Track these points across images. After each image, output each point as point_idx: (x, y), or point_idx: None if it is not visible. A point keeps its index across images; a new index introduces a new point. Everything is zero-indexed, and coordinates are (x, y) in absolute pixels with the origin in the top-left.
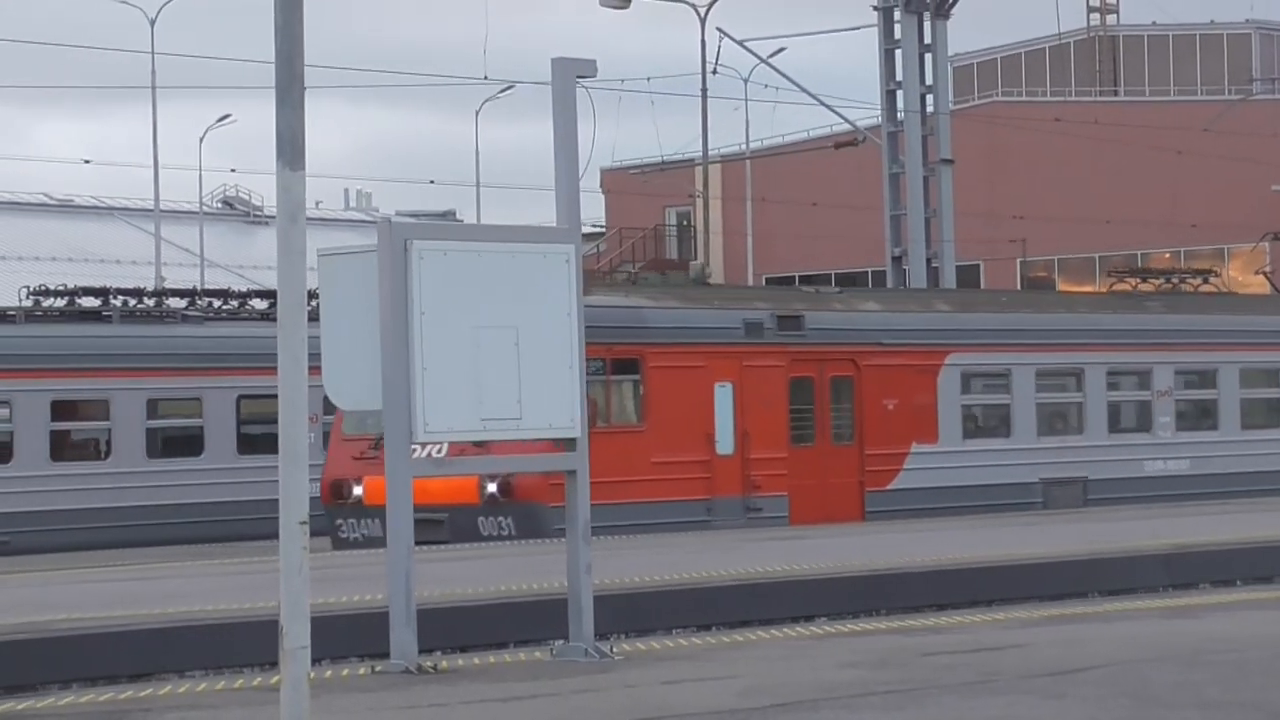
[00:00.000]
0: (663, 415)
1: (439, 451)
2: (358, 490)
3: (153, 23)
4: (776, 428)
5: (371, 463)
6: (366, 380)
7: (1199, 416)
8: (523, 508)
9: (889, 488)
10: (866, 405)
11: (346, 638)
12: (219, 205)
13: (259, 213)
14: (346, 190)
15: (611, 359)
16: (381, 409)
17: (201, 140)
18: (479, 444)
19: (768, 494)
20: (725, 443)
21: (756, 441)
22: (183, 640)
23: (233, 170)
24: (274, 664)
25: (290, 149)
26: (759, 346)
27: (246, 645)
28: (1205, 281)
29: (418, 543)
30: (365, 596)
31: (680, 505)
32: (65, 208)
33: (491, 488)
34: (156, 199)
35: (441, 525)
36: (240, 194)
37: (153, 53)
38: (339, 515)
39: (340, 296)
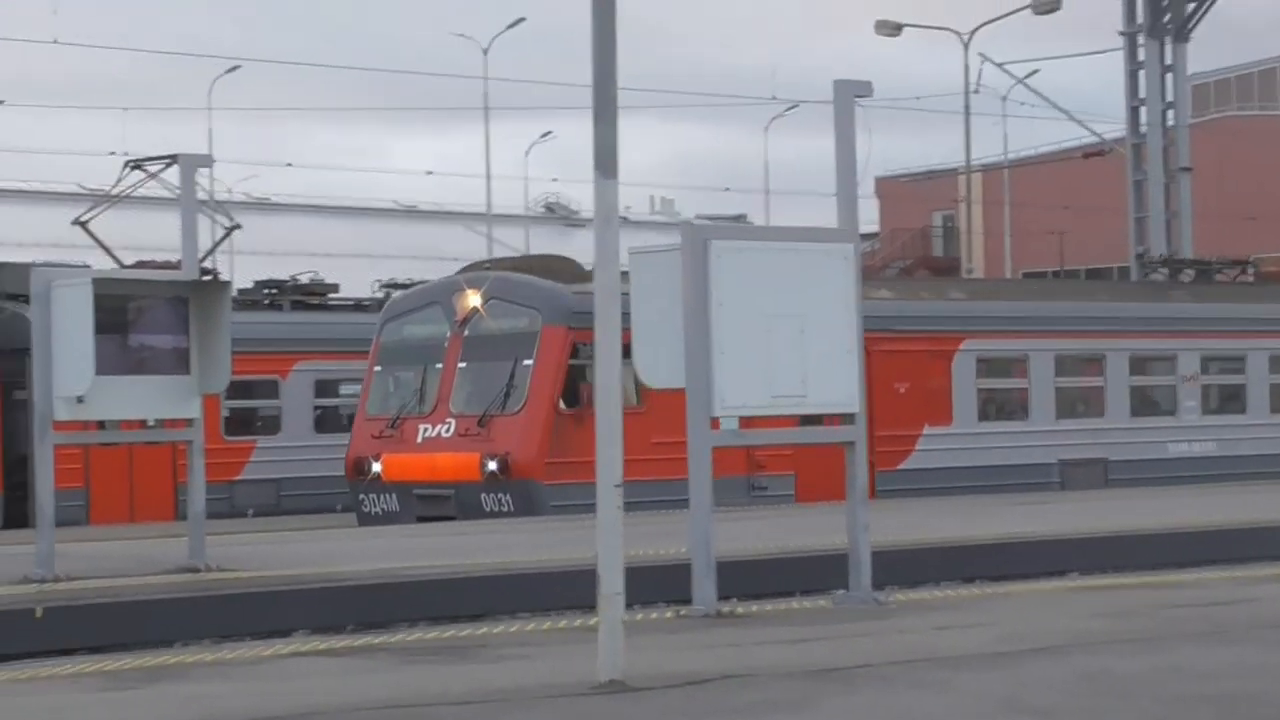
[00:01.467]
0: (662, 396)
1: (447, 432)
2: (376, 467)
3: (485, 51)
4: None
5: (390, 440)
6: (671, 362)
7: (1227, 400)
8: (519, 485)
9: (900, 468)
10: (877, 388)
11: (653, 585)
12: (542, 210)
13: (576, 216)
14: (651, 196)
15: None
16: (683, 386)
17: (527, 153)
18: (481, 422)
19: (773, 473)
20: (729, 422)
21: (759, 421)
22: (513, 586)
23: (554, 180)
24: (591, 608)
25: (606, 160)
26: None
27: (567, 591)
28: (1244, 271)
29: (427, 517)
30: (667, 550)
31: (682, 484)
32: (411, 213)
33: (492, 466)
34: (489, 205)
35: (449, 500)
36: (560, 200)
37: (485, 78)
38: (360, 490)
39: (649, 289)
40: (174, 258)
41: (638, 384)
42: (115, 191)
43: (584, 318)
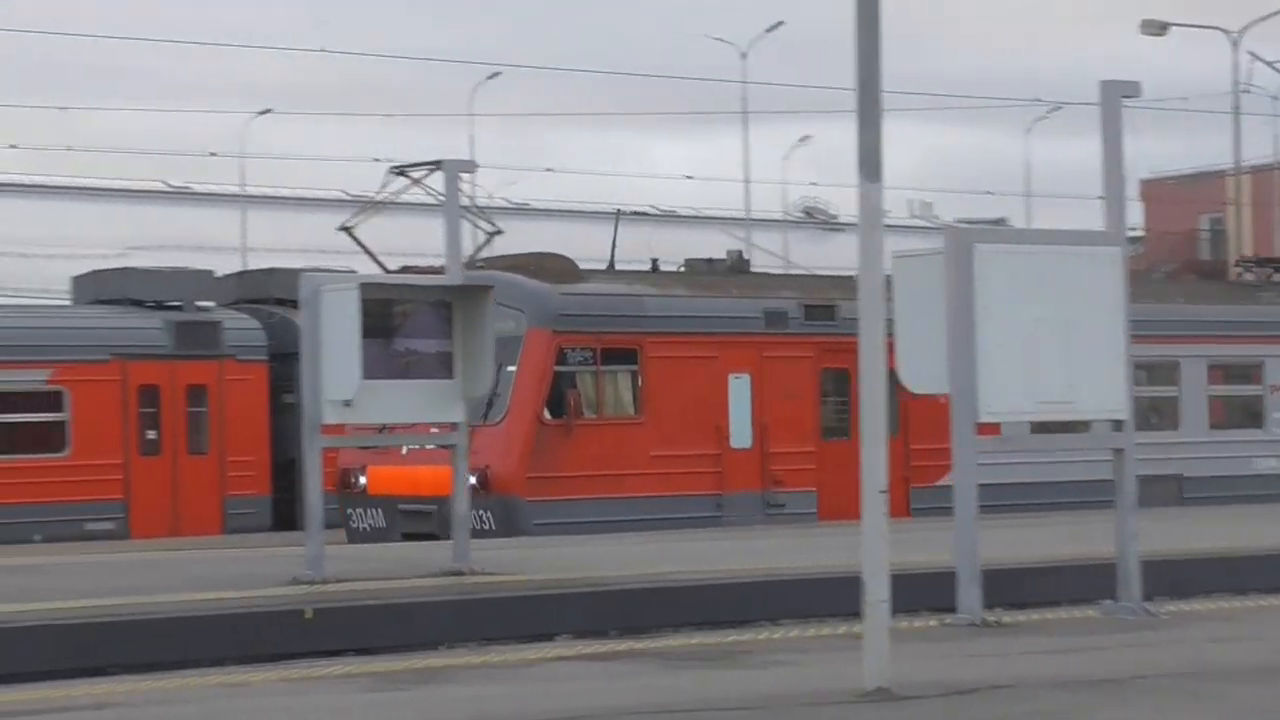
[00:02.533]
0: (663, 407)
1: (430, 443)
2: (363, 480)
3: (744, 55)
4: (803, 421)
5: (376, 452)
6: (935, 367)
7: None
8: (500, 502)
9: (939, 483)
10: (912, 399)
11: (916, 593)
12: (800, 214)
13: (835, 220)
14: (910, 200)
15: (602, 349)
16: (948, 391)
17: (786, 157)
18: None
19: (792, 489)
20: (741, 436)
21: (778, 435)
22: (775, 592)
23: (813, 183)
24: (855, 615)
25: (870, 163)
26: (782, 337)
27: (830, 598)
28: None
29: (410, 535)
30: (930, 558)
31: (683, 500)
32: (669, 218)
33: (472, 480)
34: (747, 209)
35: (431, 517)
36: (819, 204)
37: (744, 81)
38: (347, 505)
39: (912, 293)
40: (437, 263)
41: (636, 393)
42: (379, 197)
43: (573, 320)
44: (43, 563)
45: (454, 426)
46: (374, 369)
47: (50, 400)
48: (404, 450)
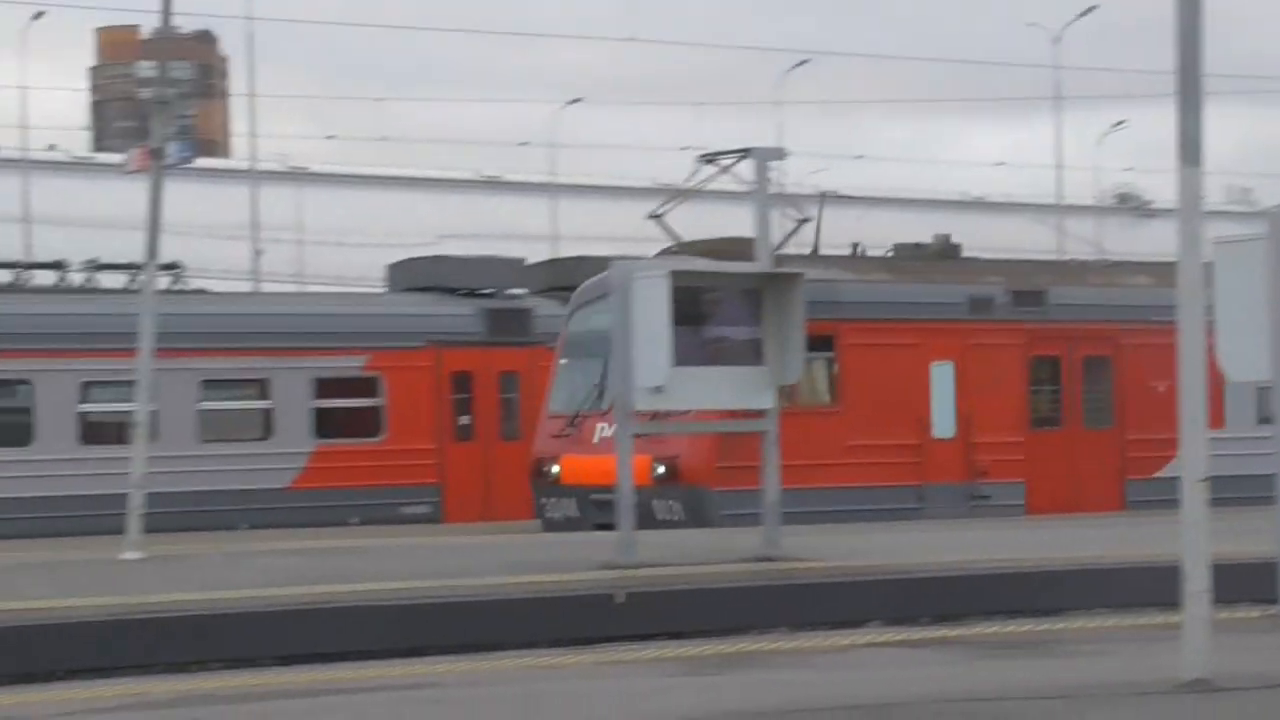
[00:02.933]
0: (861, 395)
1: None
2: (555, 469)
3: (1056, 40)
4: (1011, 410)
5: (569, 440)
6: (1255, 354)
7: None
8: (688, 492)
9: (1157, 475)
10: (1128, 387)
11: (1235, 583)
12: (1113, 201)
13: (1149, 207)
14: (1228, 185)
15: None
16: (1269, 379)
17: (1099, 143)
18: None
19: (998, 481)
20: (943, 425)
21: (983, 424)
22: (1087, 581)
23: (1128, 169)
24: (1171, 605)
25: (1190, 148)
26: (988, 324)
27: (1144, 587)
28: None
29: (601, 525)
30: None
31: (882, 491)
32: (980, 205)
33: (660, 470)
34: (1059, 196)
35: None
36: (1133, 191)
37: (1057, 67)
38: (541, 494)
39: (1233, 279)
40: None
41: (831, 380)
42: (689, 185)
43: (814, 308)
44: (361, 545)
45: (763, 413)
46: (684, 356)
47: (367, 386)
48: (596, 438)
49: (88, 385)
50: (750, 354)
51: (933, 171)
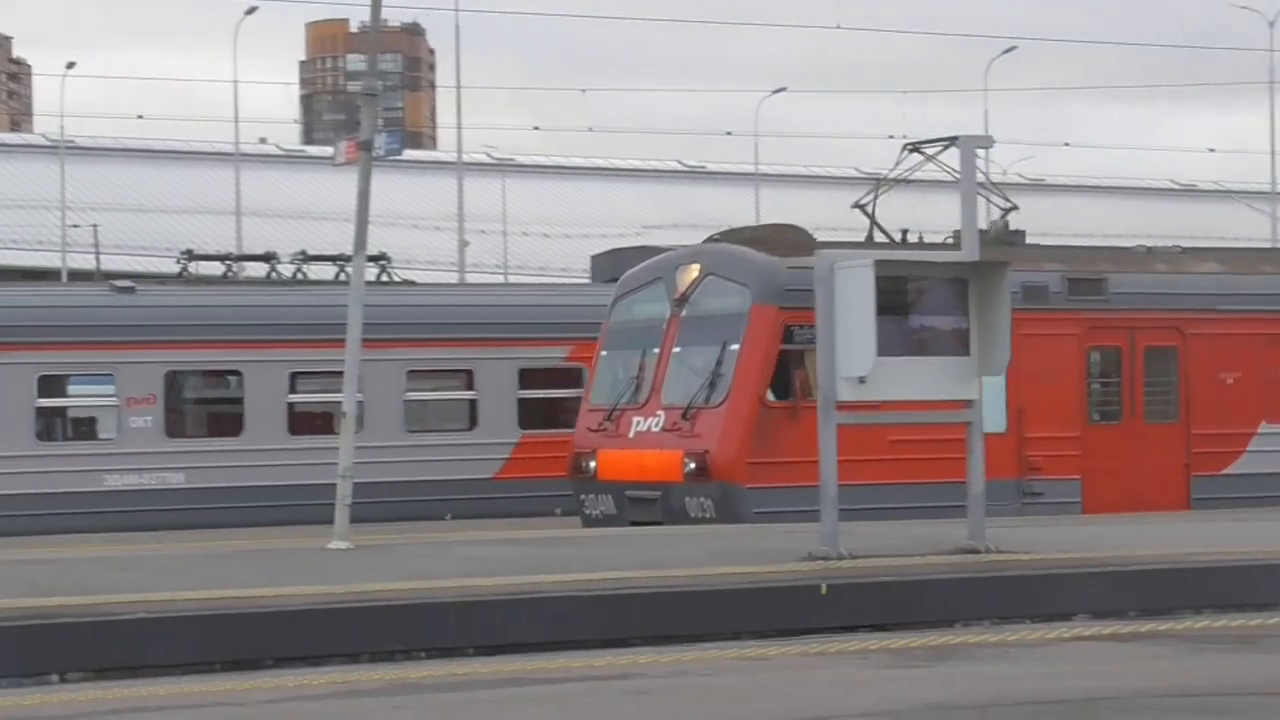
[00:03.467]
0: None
1: (657, 426)
2: (593, 464)
3: (1271, 24)
4: (1066, 403)
5: (606, 434)
6: None
7: None
8: (719, 488)
9: (1225, 472)
10: (1194, 379)
11: None
12: None
13: None
14: None
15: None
16: None
17: None
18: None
19: (1051, 477)
20: (994, 419)
21: (1036, 418)
22: None
23: None
24: None
25: None
26: (1042, 313)
27: None
28: None
29: (635, 522)
30: None
31: (927, 488)
32: (1189, 193)
33: (691, 465)
34: (1273, 182)
35: (655, 504)
36: None
37: (1270, 50)
38: (580, 490)
39: None
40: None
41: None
42: (893, 174)
43: (801, 296)
44: (564, 535)
45: (968, 404)
46: (888, 346)
47: (570, 376)
48: (632, 433)
49: (297, 376)
50: (954, 343)
51: (1142, 158)
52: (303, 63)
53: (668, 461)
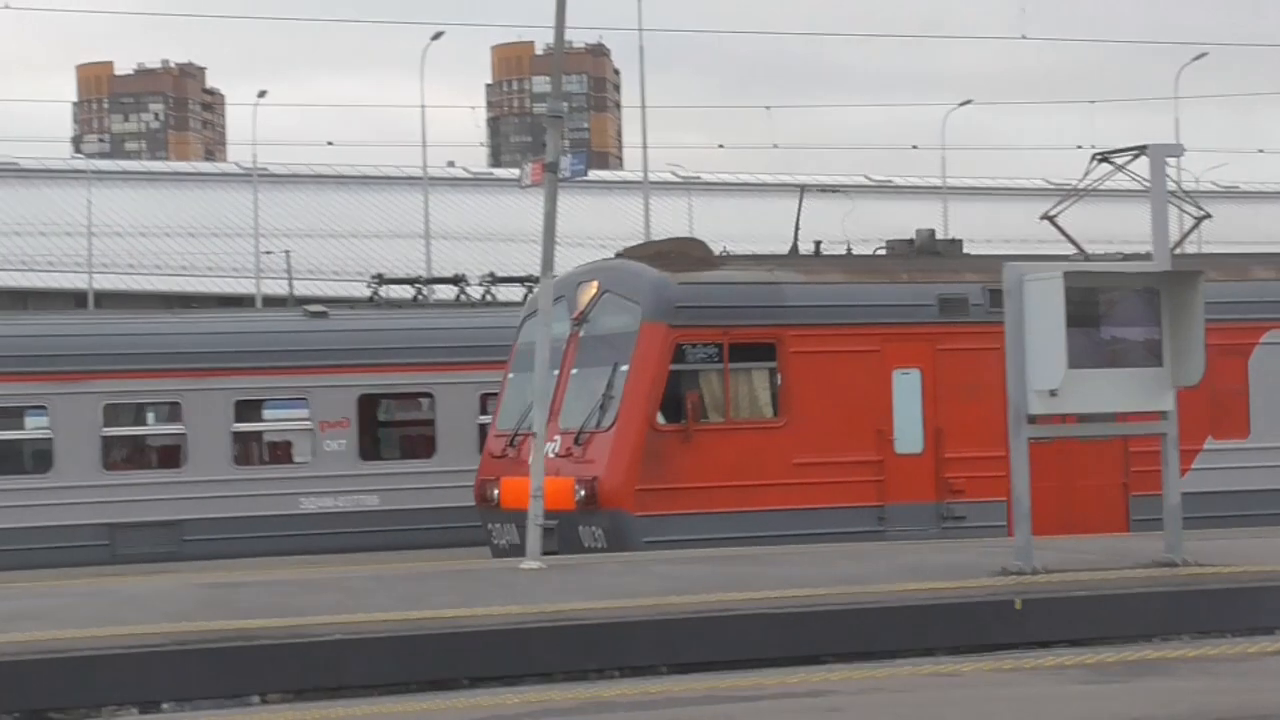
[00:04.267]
0: (809, 408)
1: (553, 451)
2: (496, 492)
3: None
4: (990, 421)
5: (509, 462)
6: None
7: None
8: (609, 516)
9: None
10: None
11: None
12: None
13: None
14: None
15: (731, 344)
16: None
17: None
18: (578, 441)
19: (975, 499)
20: (909, 440)
21: (957, 438)
22: None
23: None
24: None
25: None
26: (963, 326)
27: None
28: None
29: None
30: None
31: (835, 513)
32: None
33: (581, 492)
34: None
35: (553, 533)
36: None
37: None
38: (486, 519)
39: None
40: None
41: (774, 393)
42: (1082, 185)
43: (693, 313)
44: (755, 553)
45: (1163, 415)
46: (1079, 358)
47: None
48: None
49: (487, 397)
50: (1146, 354)
51: None
52: (489, 86)
53: (561, 489)
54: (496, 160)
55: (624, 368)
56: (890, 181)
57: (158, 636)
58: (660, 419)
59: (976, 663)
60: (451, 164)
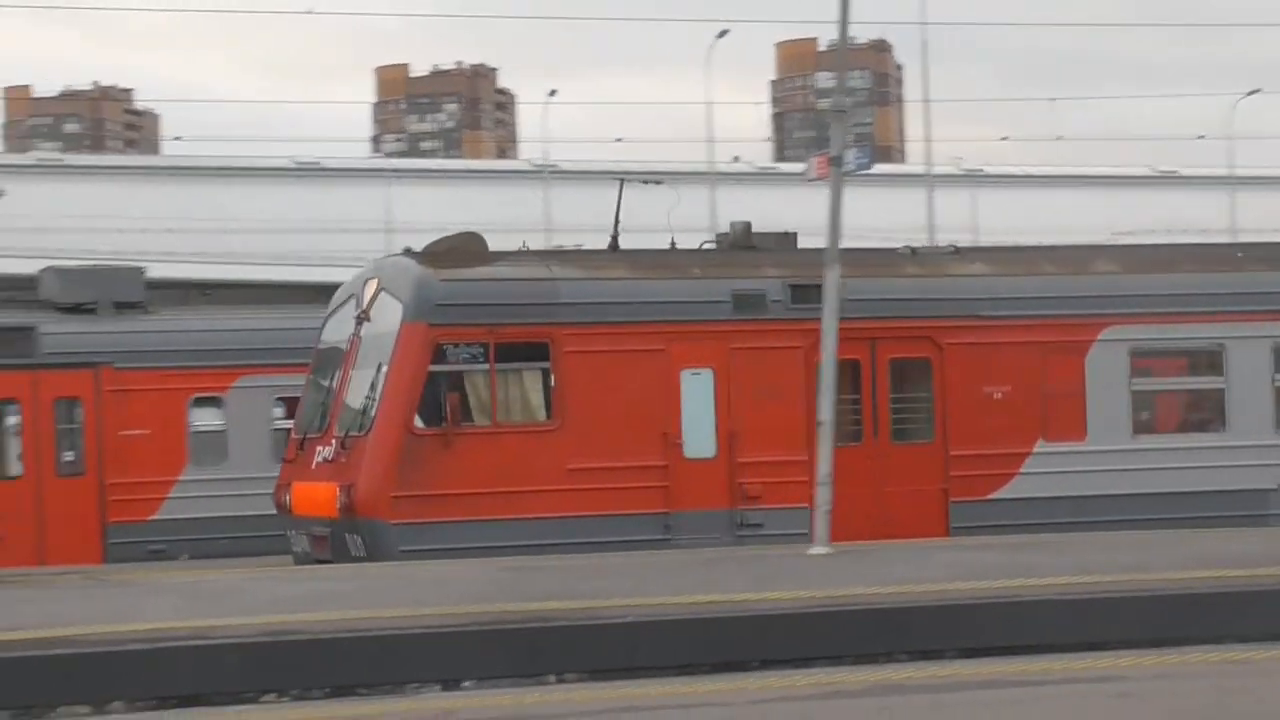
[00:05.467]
0: (586, 411)
1: (329, 456)
2: (288, 498)
3: None
4: (790, 425)
5: (297, 467)
6: None
7: None
8: (366, 524)
9: (993, 496)
10: (952, 394)
11: None
12: None
13: None
14: None
15: (497, 344)
16: None
17: None
18: (345, 445)
19: (773, 506)
20: (699, 444)
21: (753, 442)
22: None
23: None
24: None
25: None
26: (758, 324)
27: None
28: None
29: (319, 561)
30: None
31: (614, 520)
32: None
33: (343, 500)
34: None
35: (326, 541)
36: None
37: None
38: (284, 526)
39: None
40: None
41: (548, 395)
42: None
43: (455, 311)
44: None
45: None
46: None
47: None
48: (314, 464)
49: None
50: None
51: None
52: (773, 82)
53: (328, 495)
54: (781, 155)
55: (386, 368)
56: (1176, 172)
57: (459, 617)
58: (419, 422)
59: (1268, 651)
60: (737, 159)
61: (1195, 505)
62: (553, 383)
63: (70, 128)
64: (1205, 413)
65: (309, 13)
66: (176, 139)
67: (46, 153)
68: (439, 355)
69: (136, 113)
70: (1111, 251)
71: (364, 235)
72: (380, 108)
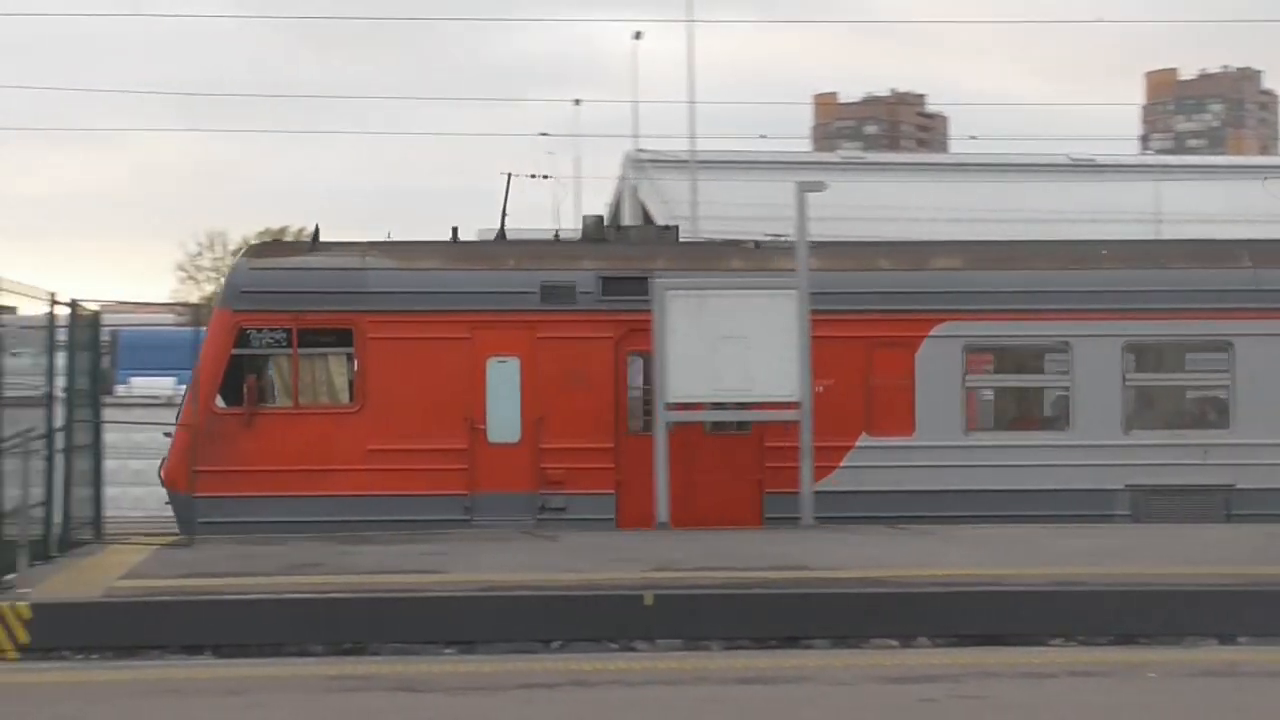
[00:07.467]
0: (388, 395)
1: None
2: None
3: None
4: (596, 412)
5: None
6: None
7: None
8: (174, 498)
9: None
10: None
11: None
12: None
13: None
14: None
15: (300, 329)
16: None
17: None
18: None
19: (577, 491)
20: (503, 429)
21: (558, 429)
22: None
23: None
24: None
25: None
26: (566, 314)
27: None
28: None
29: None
30: None
31: (413, 500)
32: None
33: (161, 474)
34: None
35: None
36: None
37: None
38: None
39: None
40: None
41: (351, 378)
42: None
43: (260, 298)
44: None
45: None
46: None
47: None
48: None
49: None
50: None
51: None
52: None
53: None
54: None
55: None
56: None
57: (1238, 578)
58: (220, 403)
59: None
60: None
61: (1033, 504)
62: (355, 367)
63: (870, 130)
64: (1050, 411)
65: (1098, 21)
66: (971, 138)
67: (849, 152)
68: (242, 339)
69: (928, 115)
70: (954, 247)
71: (1132, 225)
72: (1149, 109)
